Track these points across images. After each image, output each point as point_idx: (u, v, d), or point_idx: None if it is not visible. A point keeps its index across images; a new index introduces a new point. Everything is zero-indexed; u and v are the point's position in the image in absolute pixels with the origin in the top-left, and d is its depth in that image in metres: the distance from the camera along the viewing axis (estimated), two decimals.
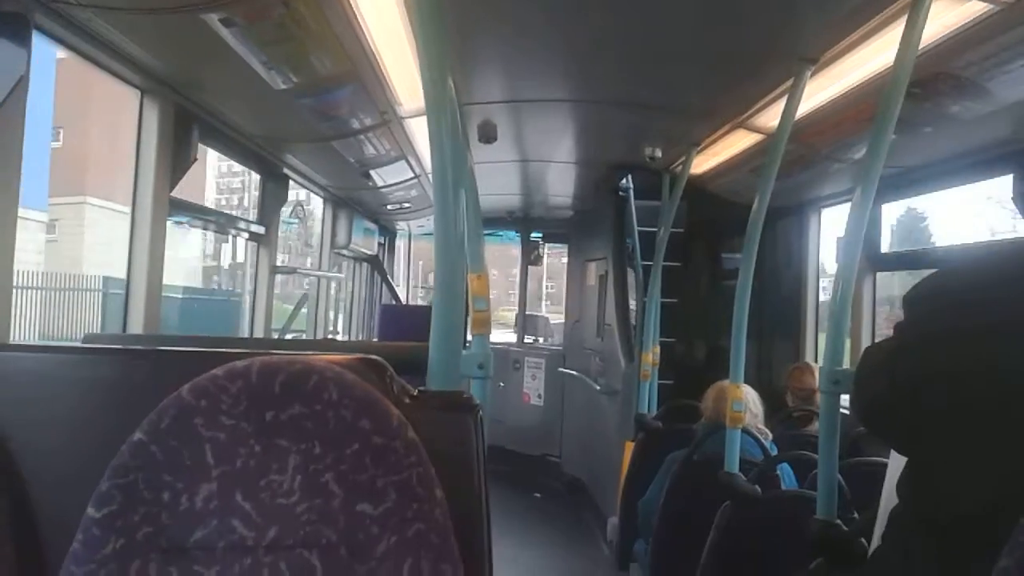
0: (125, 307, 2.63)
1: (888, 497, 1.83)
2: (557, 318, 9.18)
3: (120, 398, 1.18)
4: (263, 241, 4.04)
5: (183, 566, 1.04)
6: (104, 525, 1.03)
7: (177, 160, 2.83)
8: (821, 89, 2.84)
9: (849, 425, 2.43)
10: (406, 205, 5.83)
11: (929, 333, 1.37)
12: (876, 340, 3.42)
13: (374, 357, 1.18)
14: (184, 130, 2.84)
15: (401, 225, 7.30)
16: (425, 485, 1.07)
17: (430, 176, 4.78)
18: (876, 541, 1.83)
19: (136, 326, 2.59)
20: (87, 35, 2.24)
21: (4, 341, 1.84)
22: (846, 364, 2.12)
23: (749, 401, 3.06)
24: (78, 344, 1.63)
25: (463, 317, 1.37)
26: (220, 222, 3.79)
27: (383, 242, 7.16)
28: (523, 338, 7.85)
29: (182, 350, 1.33)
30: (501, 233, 7.79)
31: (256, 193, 4.25)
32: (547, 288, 23.32)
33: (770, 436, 3.17)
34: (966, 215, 3.66)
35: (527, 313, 8.11)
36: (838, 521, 1.99)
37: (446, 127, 1.38)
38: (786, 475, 2.92)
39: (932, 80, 2.44)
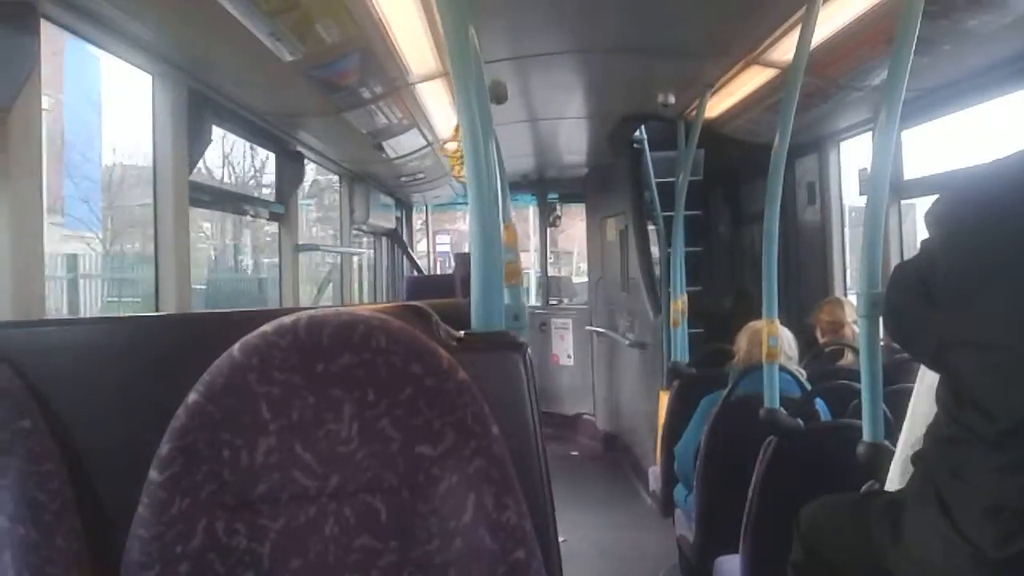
0: (156, 289, 2.65)
1: (914, 413, 1.83)
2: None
3: (166, 364, 1.18)
4: (284, 220, 4.07)
5: (249, 520, 1.05)
6: (168, 487, 1.04)
7: (193, 143, 2.84)
8: (835, 15, 2.78)
9: (885, 353, 2.42)
10: (420, 176, 5.83)
11: (957, 247, 1.37)
12: None
13: (417, 304, 1.19)
14: (198, 112, 2.85)
15: (417, 197, 7.30)
16: (481, 423, 1.08)
17: (444, 143, 4.77)
18: (902, 453, 1.83)
19: (168, 307, 2.62)
20: (95, 21, 2.23)
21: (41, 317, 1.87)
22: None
23: (784, 343, 3.04)
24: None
25: (501, 266, 1.38)
26: (240, 203, 3.81)
27: (400, 216, 7.18)
28: (548, 300, 7.85)
29: (224, 312, 1.34)
30: (517, 197, 7.76)
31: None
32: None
33: (805, 375, 3.16)
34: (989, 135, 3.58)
35: (549, 275, 8.12)
36: (886, 442, 1.98)
37: (471, 78, 1.38)
38: (821, 410, 2.92)
39: None
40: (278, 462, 1.06)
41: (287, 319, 1.08)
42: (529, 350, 1.21)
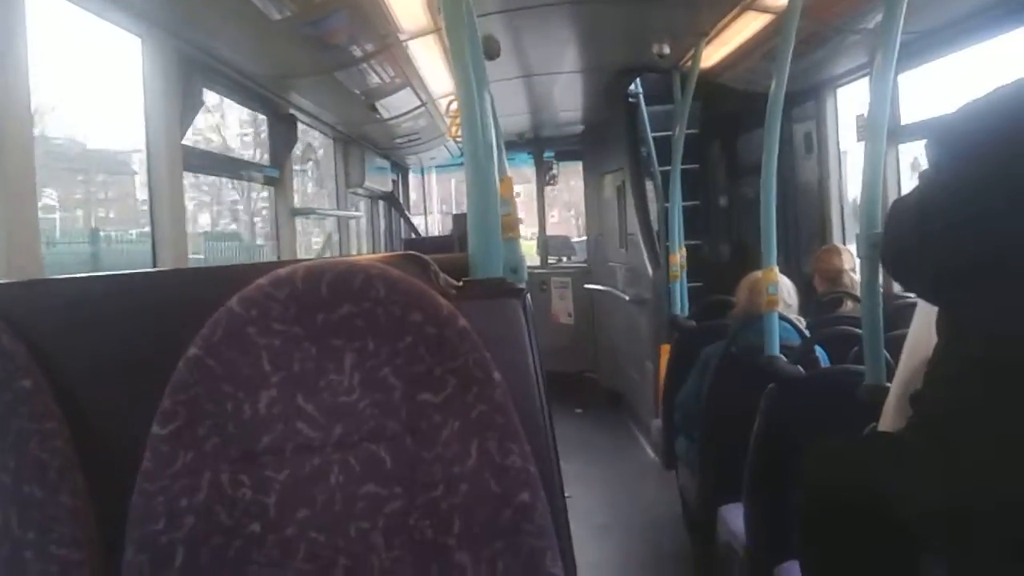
0: (153, 252, 2.65)
1: (910, 350, 1.83)
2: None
3: (165, 319, 1.17)
4: (278, 184, 4.04)
5: (254, 472, 1.06)
6: (171, 441, 1.04)
7: (185, 107, 2.82)
8: None
9: (886, 298, 2.41)
10: (415, 137, 5.79)
11: (955, 176, 1.36)
12: None
13: (415, 253, 1.18)
14: (187, 76, 2.83)
15: (412, 160, 7.25)
16: (482, 369, 1.08)
17: (437, 103, 4.72)
18: (896, 390, 1.83)
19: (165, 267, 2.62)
20: None
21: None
22: None
23: (784, 291, 3.04)
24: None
25: (498, 216, 1.37)
26: (233, 167, 3.79)
27: (396, 178, 7.14)
28: (546, 259, 7.85)
29: (222, 266, 1.34)
30: (513, 156, 7.71)
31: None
32: None
33: (804, 323, 3.16)
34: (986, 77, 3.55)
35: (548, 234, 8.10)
36: (888, 384, 1.98)
37: (464, 31, 1.36)
38: (821, 357, 2.92)
39: None
40: (281, 414, 1.06)
41: (283, 271, 1.07)
42: (528, 296, 1.21)
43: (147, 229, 2.71)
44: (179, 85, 2.77)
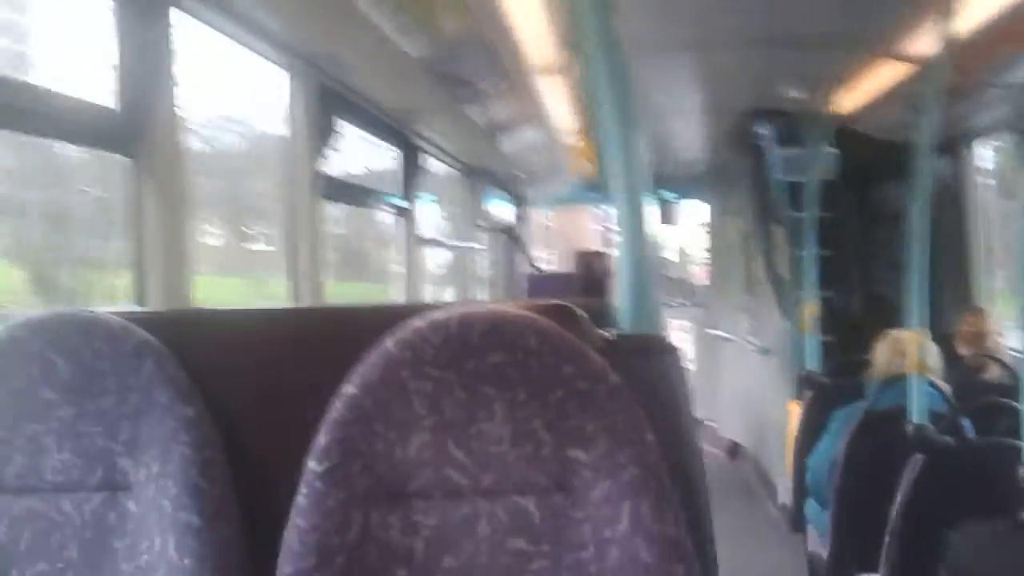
0: (293, 284, 2.71)
1: None
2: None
3: (319, 354, 1.17)
4: (407, 215, 4.12)
5: (403, 514, 1.04)
6: (326, 479, 1.04)
7: (322, 138, 2.89)
8: (975, 7, 2.59)
9: None
10: (537, 170, 5.82)
11: None
12: None
13: (565, 303, 1.14)
14: (326, 107, 2.90)
15: (532, 193, 7.28)
16: (636, 429, 1.02)
17: (561, 138, 4.71)
18: None
19: (304, 299, 2.67)
20: (230, 15, 2.27)
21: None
22: None
23: (928, 354, 2.87)
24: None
25: (651, 267, 1.31)
26: (365, 197, 3.87)
27: (517, 212, 7.18)
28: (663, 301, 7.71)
29: (374, 306, 1.32)
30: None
31: None
32: None
33: (948, 389, 2.97)
34: None
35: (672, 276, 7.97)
36: None
37: (615, 63, 1.31)
38: (965, 426, 2.74)
39: None
40: (431, 458, 1.04)
41: (439, 314, 1.05)
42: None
43: None
44: (319, 116, 2.85)
